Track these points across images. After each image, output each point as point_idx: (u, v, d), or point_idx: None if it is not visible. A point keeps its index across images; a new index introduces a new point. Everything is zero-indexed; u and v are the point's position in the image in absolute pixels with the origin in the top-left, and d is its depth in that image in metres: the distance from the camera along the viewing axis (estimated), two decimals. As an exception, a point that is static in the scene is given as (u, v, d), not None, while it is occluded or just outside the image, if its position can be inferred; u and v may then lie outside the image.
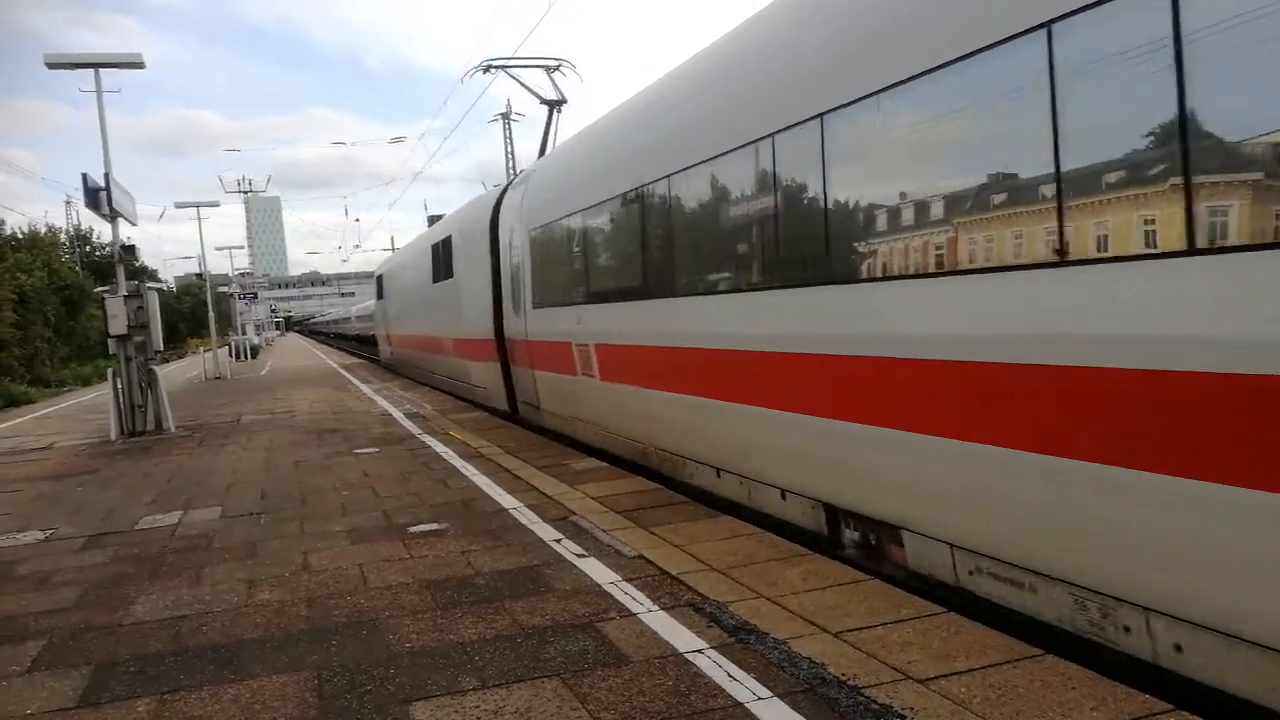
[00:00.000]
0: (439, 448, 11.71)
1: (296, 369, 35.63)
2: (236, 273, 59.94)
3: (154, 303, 15.79)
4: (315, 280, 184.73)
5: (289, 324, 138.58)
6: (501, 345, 14.51)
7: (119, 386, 15.34)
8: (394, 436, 13.18)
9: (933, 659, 4.16)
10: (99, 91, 15.66)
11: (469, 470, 9.89)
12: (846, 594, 5.13)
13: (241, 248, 72.32)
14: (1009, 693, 3.77)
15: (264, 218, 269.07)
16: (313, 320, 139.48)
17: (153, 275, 69.26)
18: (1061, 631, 4.46)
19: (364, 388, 23.25)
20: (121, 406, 15.32)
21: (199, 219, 42.36)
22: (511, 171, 44.37)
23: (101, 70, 15.62)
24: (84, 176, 15.29)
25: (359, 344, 65.12)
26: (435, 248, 19.17)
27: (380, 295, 32.47)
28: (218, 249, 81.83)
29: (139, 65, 15.75)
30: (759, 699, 3.86)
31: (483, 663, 4.44)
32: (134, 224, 17.41)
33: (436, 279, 19.10)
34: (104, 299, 15.97)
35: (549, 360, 11.91)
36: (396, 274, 27.73)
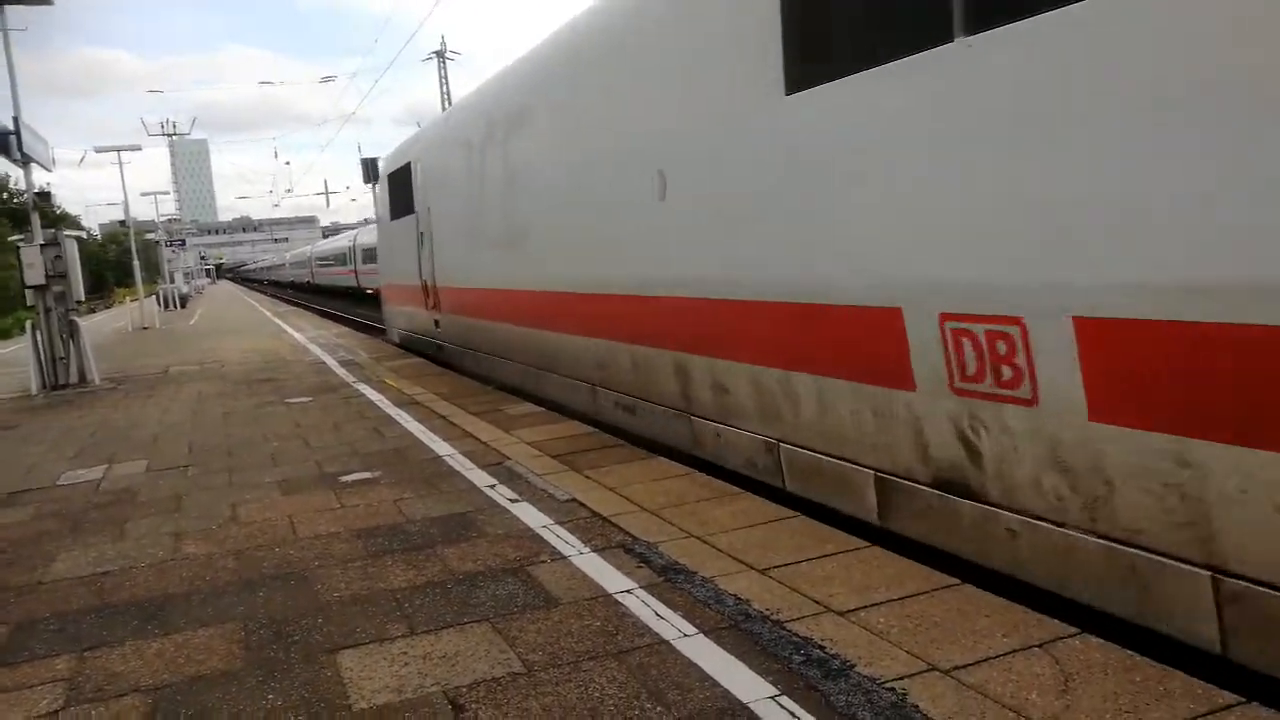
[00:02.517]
0: (373, 395, 11.57)
1: (227, 318, 34.80)
2: (163, 219, 58.10)
3: (73, 251, 15.20)
4: (246, 226, 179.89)
5: (220, 271, 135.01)
6: None
7: (39, 339, 14.84)
8: (327, 385, 12.99)
9: (854, 591, 4.27)
10: (4, 29, 14.87)
11: (403, 418, 9.80)
12: (774, 531, 5.23)
13: (167, 193, 70.08)
14: (925, 621, 3.89)
15: (190, 161, 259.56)
16: (245, 267, 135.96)
17: (74, 222, 66.71)
18: None
19: (297, 336, 22.83)
20: (42, 359, 14.82)
21: (120, 163, 40.83)
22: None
23: (7, 7, 14.78)
24: (-10, 119, 14.61)
25: (294, 290, 64.02)
26: None
27: (402, 209, 16.13)
28: (143, 195, 79.15)
29: (48, 1, 14.97)
30: (684, 636, 3.92)
31: (412, 609, 4.45)
32: (49, 169, 16.63)
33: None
34: (19, 248, 15.37)
35: None
36: (472, 149, 11.85)
